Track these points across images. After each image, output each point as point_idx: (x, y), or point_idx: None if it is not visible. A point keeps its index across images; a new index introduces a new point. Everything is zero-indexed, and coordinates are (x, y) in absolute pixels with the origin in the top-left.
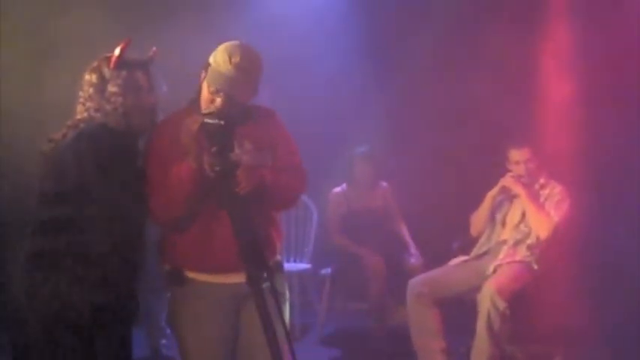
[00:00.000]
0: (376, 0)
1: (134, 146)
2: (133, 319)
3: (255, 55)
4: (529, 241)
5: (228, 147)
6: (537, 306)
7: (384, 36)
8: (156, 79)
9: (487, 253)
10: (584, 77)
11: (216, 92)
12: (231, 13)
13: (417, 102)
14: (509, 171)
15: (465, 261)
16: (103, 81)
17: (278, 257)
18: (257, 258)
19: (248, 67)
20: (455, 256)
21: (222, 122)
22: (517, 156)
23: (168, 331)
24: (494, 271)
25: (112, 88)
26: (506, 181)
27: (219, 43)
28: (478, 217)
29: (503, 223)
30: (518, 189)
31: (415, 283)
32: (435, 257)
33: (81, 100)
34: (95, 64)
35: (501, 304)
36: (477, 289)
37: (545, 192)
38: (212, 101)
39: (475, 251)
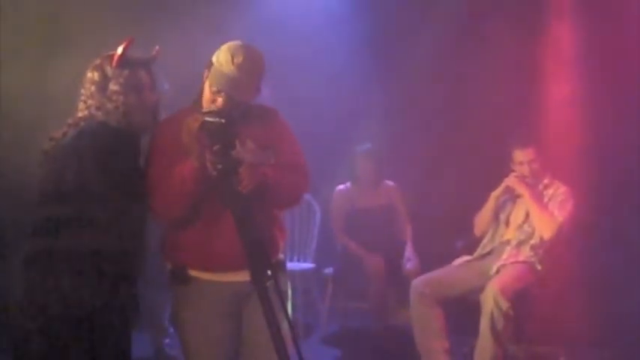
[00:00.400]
0: (377, 0)
1: (135, 145)
2: (134, 319)
3: (258, 56)
4: (532, 242)
5: (230, 145)
6: (540, 306)
7: (385, 35)
8: (158, 77)
9: (490, 253)
10: (587, 77)
11: (218, 92)
12: (234, 13)
13: (419, 101)
14: (513, 171)
15: (469, 261)
16: (104, 79)
17: (281, 256)
18: (260, 256)
19: (250, 68)
20: (458, 256)
21: (223, 121)
22: (521, 156)
23: (172, 330)
24: (498, 271)
25: (113, 86)
26: (510, 181)
27: (223, 43)
28: (482, 217)
29: (507, 223)
30: (521, 189)
31: (418, 283)
32: (439, 257)
33: (82, 97)
34: (97, 62)
35: (504, 304)
36: (480, 289)
37: (549, 192)
38: (213, 101)
39: (478, 251)
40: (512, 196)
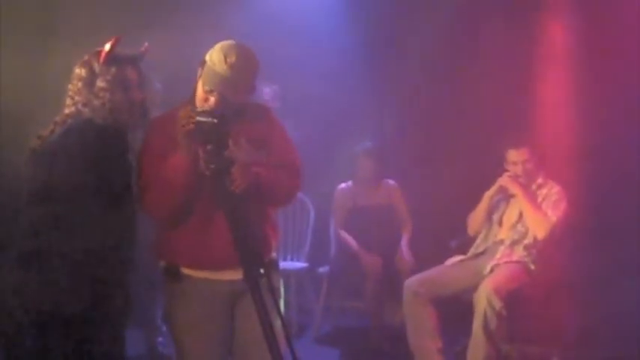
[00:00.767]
0: None
1: (122, 142)
2: (126, 317)
3: (251, 56)
4: (526, 241)
5: (223, 145)
6: (534, 306)
7: (381, 35)
8: (149, 76)
9: (484, 253)
10: (582, 78)
11: (211, 91)
12: (231, 11)
13: (413, 101)
14: (507, 171)
15: (462, 260)
16: (92, 76)
17: (273, 255)
18: (253, 255)
19: (243, 68)
20: (452, 256)
21: (215, 121)
22: (515, 156)
23: (165, 328)
24: (491, 270)
25: (100, 83)
26: (504, 180)
27: (218, 41)
28: (475, 217)
29: (501, 223)
30: (515, 189)
31: (412, 282)
32: (432, 256)
33: (69, 93)
34: (85, 58)
35: (498, 304)
36: (474, 288)
37: (543, 192)
38: (206, 100)
39: (472, 251)
40: (506, 196)
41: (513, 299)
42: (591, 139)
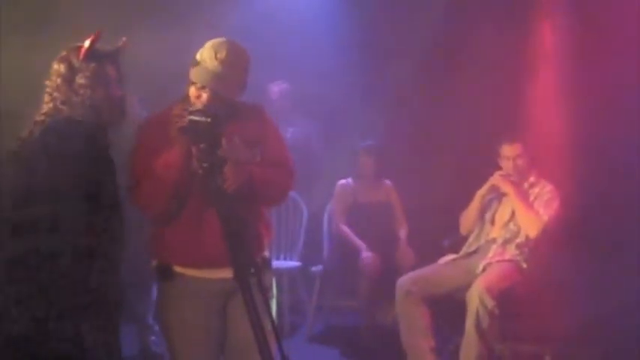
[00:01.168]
0: None
1: (103, 138)
2: (118, 312)
3: (242, 52)
4: (518, 240)
5: (216, 144)
6: (526, 305)
7: (374, 33)
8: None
9: (476, 252)
10: (575, 76)
11: (203, 88)
12: (228, 9)
13: (406, 99)
14: (500, 168)
15: (455, 259)
16: (71, 72)
17: (266, 253)
18: (244, 254)
19: (233, 63)
20: (445, 255)
21: (208, 120)
22: (508, 151)
23: (157, 327)
24: (484, 269)
25: (80, 80)
26: (496, 179)
27: (210, 39)
28: (467, 216)
29: (493, 222)
30: (507, 187)
31: (404, 281)
32: (425, 255)
33: (48, 90)
34: (64, 53)
35: (490, 303)
36: (466, 287)
37: (535, 191)
38: (199, 97)
39: (464, 250)
40: (498, 195)
41: (505, 298)
42: (584, 137)
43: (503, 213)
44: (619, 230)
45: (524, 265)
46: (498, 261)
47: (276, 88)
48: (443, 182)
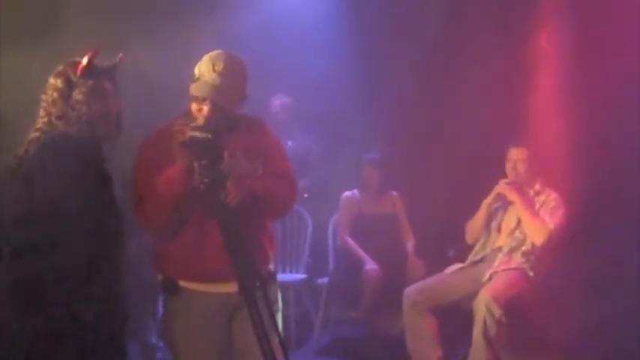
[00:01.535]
0: (368, 4)
1: (100, 153)
2: (124, 328)
3: (239, 62)
4: (524, 248)
5: (217, 159)
6: (533, 313)
7: (378, 43)
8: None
9: (483, 261)
10: (579, 80)
11: (203, 101)
12: (230, 19)
13: (409, 107)
14: (505, 176)
15: (461, 268)
16: (68, 87)
17: (270, 266)
18: (248, 268)
19: (231, 74)
20: (450, 264)
21: (209, 136)
22: (515, 154)
23: (162, 345)
24: (490, 278)
25: (77, 95)
26: (501, 187)
27: (209, 51)
28: (473, 225)
29: (499, 230)
30: (513, 196)
31: (410, 291)
32: (431, 265)
33: (43, 104)
34: (60, 68)
35: (497, 311)
36: (473, 296)
37: (541, 199)
38: (200, 110)
39: (470, 258)
40: (504, 203)
41: (513, 306)
42: (589, 144)
43: (509, 221)
44: (626, 236)
45: (531, 273)
46: (505, 269)
47: (277, 102)
48: (448, 191)
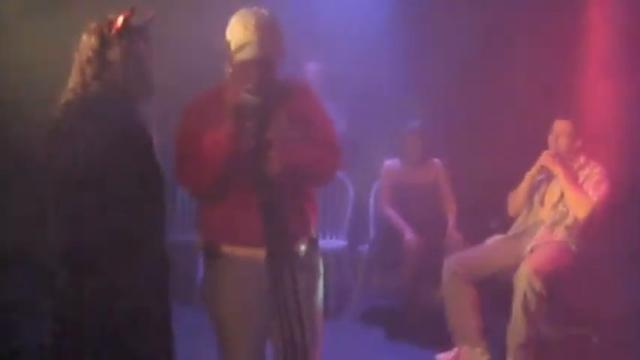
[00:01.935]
0: None
1: (139, 115)
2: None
3: (268, 13)
4: (567, 222)
5: (264, 125)
6: (574, 287)
7: (422, 11)
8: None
9: (524, 233)
10: (629, 54)
11: (246, 62)
12: None
13: (456, 79)
14: (548, 148)
15: (502, 240)
16: (104, 46)
17: (312, 233)
18: (283, 236)
19: (265, 26)
20: (492, 235)
21: (259, 99)
22: (559, 127)
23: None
24: (532, 251)
25: (113, 55)
26: (545, 159)
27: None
28: (516, 197)
29: (542, 203)
30: (556, 168)
31: (451, 262)
32: (472, 236)
33: (78, 63)
34: (94, 25)
35: (538, 285)
36: (514, 268)
37: (585, 172)
38: (245, 74)
39: (512, 230)
40: (548, 176)
41: (554, 280)
42: (635, 118)
43: (552, 194)
44: None
45: (573, 247)
46: (547, 242)
47: (313, 67)
48: (491, 162)
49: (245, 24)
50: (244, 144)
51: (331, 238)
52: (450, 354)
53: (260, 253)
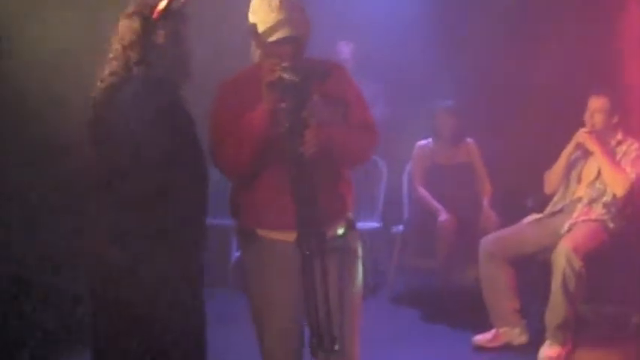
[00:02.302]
0: None
1: (180, 99)
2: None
3: None
4: (605, 199)
5: (301, 105)
6: (613, 266)
7: None
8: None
9: (561, 211)
10: None
11: (278, 44)
12: None
13: (493, 56)
14: (584, 125)
15: (539, 219)
16: (147, 30)
17: (350, 214)
18: (316, 220)
19: (290, 2)
20: (528, 214)
21: (297, 79)
22: (594, 104)
23: None
24: (569, 229)
25: (157, 38)
26: (582, 136)
27: None
28: (553, 175)
29: (579, 181)
30: (592, 146)
31: (487, 241)
32: (508, 215)
33: (119, 47)
34: (133, 9)
35: (577, 264)
36: (551, 247)
37: (622, 148)
38: (279, 54)
39: (549, 209)
40: (584, 153)
41: (592, 258)
42: None
43: (589, 171)
44: None
45: (611, 225)
46: (584, 220)
47: (346, 48)
48: (526, 140)
49: (269, 4)
50: (280, 124)
51: (365, 219)
52: (488, 335)
53: (291, 237)
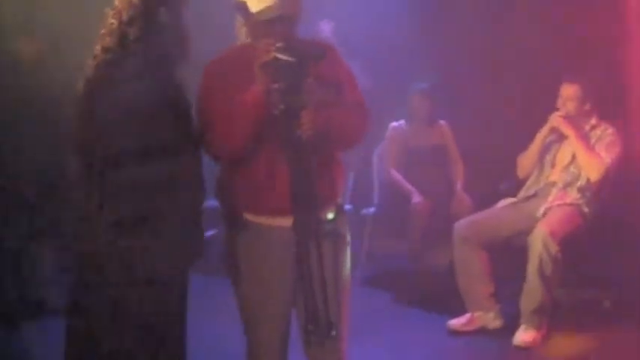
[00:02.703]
0: None
1: (176, 78)
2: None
3: None
4: (579, 184)
5: (296, 86)
6: (587, 250)
7: None
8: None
9: (535, 195)
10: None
11: (272, 21)
12: None
13: (467, 40)
14: (557, 109)
15: (513, 203)
16: (148, 8)
17: (339, 199)
18: (312, 204)
19: None
20: (502, 198)
21: (292, 60)
22: (568, 90)
23: None
24: (545, 213)
25: (158, 17)
26: (556, 120)
27: None
28: (526, 159)
29: (553, 165)
30: (567, 130)
31: (461, 225)
32: (481, 199)
33: (116, 24)
34: None
35: (554, 248)
36: (526, 232)
37: (597, 133)
38: (271, 33)
39: (523, 193)
40: (559, 137)
41: (568, 243)
42: None
43: (563, 155)
44: None
45: (586, 209)
46: (560, 205)
47: (326, 27)
48: (500, 123)
49: None
50: (273, 105)
51: None
52: (463, 319)
53: (286, 222)
